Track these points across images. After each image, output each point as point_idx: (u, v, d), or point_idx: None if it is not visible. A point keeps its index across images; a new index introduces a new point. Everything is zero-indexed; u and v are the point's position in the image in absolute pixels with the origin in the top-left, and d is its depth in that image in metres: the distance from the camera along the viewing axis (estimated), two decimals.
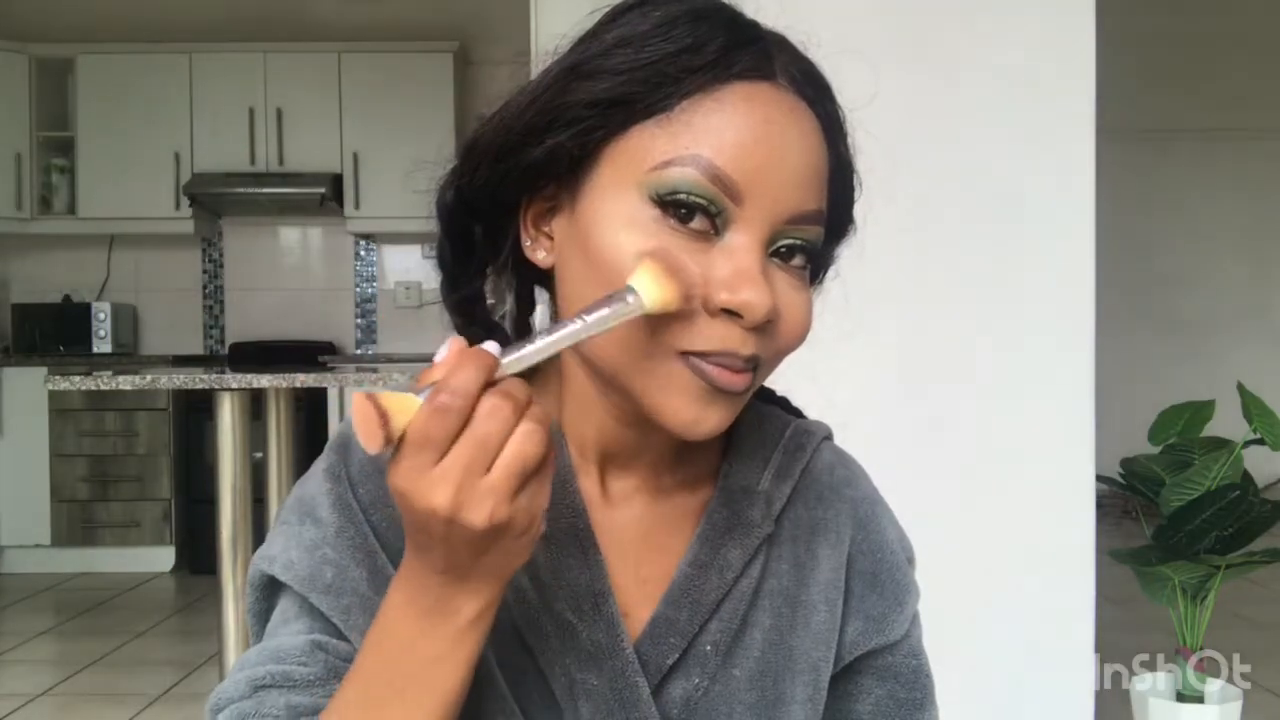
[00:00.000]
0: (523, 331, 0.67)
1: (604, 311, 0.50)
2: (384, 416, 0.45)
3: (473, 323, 0.63)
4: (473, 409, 0.45)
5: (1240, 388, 2.15)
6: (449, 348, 0.46)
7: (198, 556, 4.24)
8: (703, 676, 0.60)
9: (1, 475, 4.22)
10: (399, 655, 0.49)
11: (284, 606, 0.59)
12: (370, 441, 0.45)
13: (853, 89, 0.61)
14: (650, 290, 0.51)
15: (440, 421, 0.44)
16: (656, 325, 0.52)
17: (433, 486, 0.45)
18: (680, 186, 0.52)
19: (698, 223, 0.52)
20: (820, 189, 0.55)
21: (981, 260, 1.87)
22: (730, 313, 0.52)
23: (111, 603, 3.84)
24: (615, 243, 0.53)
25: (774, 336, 0.55)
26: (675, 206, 0.52)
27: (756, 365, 0.54)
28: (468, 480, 0.45)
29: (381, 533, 0.59)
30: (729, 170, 0.52)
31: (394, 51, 4.56)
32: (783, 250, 0.55)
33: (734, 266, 0.52)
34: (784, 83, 0.55)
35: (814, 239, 0.56)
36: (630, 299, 0.50)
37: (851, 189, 0.60)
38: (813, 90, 0.56)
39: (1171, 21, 4.94)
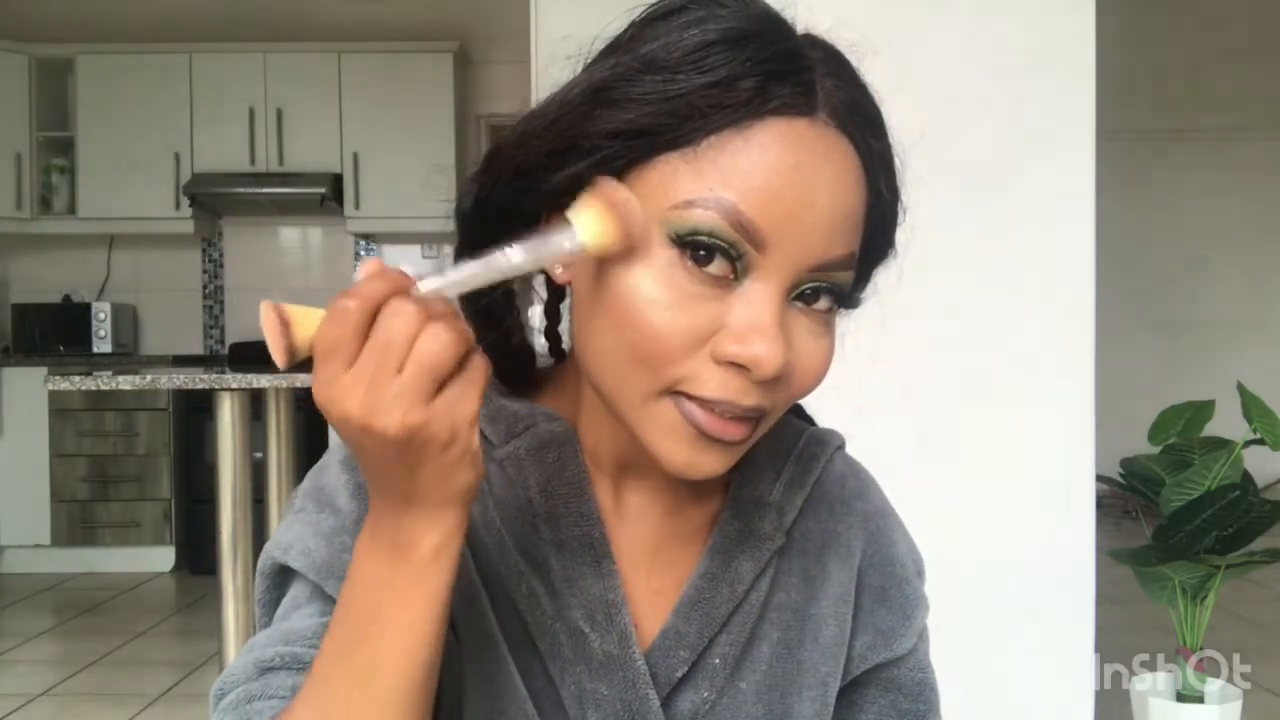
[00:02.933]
0: (554, 344, 0.65)
1: (541, 247, 0.48)
2: (285, 324, 0.44)
3: (495, 332, 0.62)
4: (376, 315, 0.43)
5: (1240, 388, 2.15)
6: (363, 268, 0.45)
7: (198, 556, 4.24)
8: (711, 690, 0.60)
9: (1, 475, 4.22)
10: (364, 596, 0.49)
11: (295, 593, 0.58)
12: (275, 350, 0.44)
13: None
14: (592, 228, 0.49)
15: (340, 325, 0.43)
16: (659, 364, 0.50)
17: (344, 393, 0.43)
18: (700, 229, 0.49)
19: (716, 266, 0.50)
20: (852, 233, 0.52)
21: (981, 261, 1.87)
22: (738, 363, 0.50)
23: (111, 603, 3.84)
24: (627, 283, 0.50)
25: (784, 387, 0.52)
26: (694, 248, 0.49)
27: (761, 415, 0.52)
28: (376, 384, 0.43)
29: None
30: (753, 216, 0.49)
31: (394, 51, 4.56)
32: (807, 293, 0.52)
33: (749, 317, 0.50)
34: (824, 117, 0.51)
35: (844, 284, 0.53)
36: (570, 238, 0.48)
37: (893, 218, 0.57)
38: (856, 125, 0.52)
39: (1172, 21, 4.94)
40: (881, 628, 0.65)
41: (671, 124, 0.50)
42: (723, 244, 0.49)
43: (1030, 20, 1.87)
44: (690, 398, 0.51)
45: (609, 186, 0.50)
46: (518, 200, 0.55)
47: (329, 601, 0.56)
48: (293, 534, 0.58)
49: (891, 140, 0.55)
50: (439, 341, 0.43)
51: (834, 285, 0.52)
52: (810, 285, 0.52)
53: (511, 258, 0.47)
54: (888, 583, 0.66)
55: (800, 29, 0.55)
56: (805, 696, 0.62)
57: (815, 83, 0.52)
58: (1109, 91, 1.96)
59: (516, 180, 0.55)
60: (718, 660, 0.60)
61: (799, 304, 0.52)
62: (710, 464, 0.52)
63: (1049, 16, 1.87)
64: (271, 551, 0.59)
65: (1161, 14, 4.79)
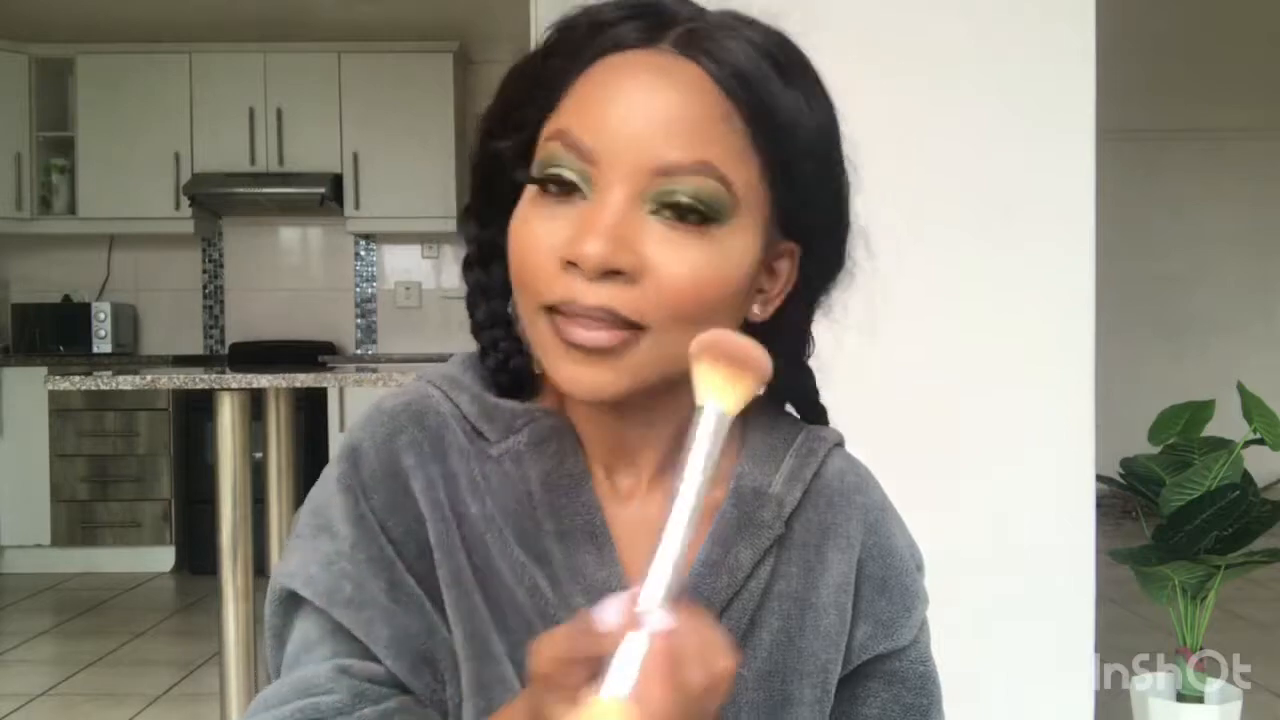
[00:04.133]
0: None
1: (707, 448, 0.45)
2: None
3: (491, 322, 0.64)
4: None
5: (1240, 388, 2.15)
6: (614, 610, 0.43)
7: (198, 556, 4.24)
8: None
9: (1, 475, 4.22)
10: None
11: (304, 630, 0.58)
12: None
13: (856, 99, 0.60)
14: (726, 398, 0.46)
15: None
16: (529, 282, 0.55)
17: None
18: (543, 162, 0.55)
19: (569, 192, 0.55)
20: (699, 143, 0.54)
21: (981, 260, 1.87)
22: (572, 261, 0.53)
23: (111, 603, 3.84)
24: (513, 226, 0.57)
25: (647, 292, 0.53)
26: (551, 181, 0.55)
27: (631, 325, 0.53)
28: None
29: (398, 541, 0.58)
30: (581, 133, 0.54)
31: (394, 51, 4.56)
32: (671, 205, 0.54)
33: (584, 220, 0.54)
34: (667, 47, 0.56)
35: (700, 191, 0.54)
36: (714, 417, 0.45)
37: (817, 177, 0.58)
38: (708, 54, 0.55)
39: (1172, 21, 4.94)
40: (881, 618, 0.66)
41: (541, 95, 0.57)
42: (561, 170, 0.54)
43: (1030, 20, 1.87)
44: (555, 311, 0.55)
45: (717, 342, 0.47)
46: (499, 142, 0.61)
47: (339, 638, 0.57)
48: (294, 561, 0.59)
49: (765, 76, 0.56)
50: (726, 661, 0.45)
51: (691, 194, 0.54)
52: (667, 196, 0.54)
53: (697, 488, 0.45)
54: (887, 574, 0.66)
55: (787, 23, 0.58)
56: (805, 683, 0.63)
57: (669, 26, 0.57)
58: (1109, 91, 1.96)
59: (481, 147, 0.62)
60: None
61: (665, 217, 0.54)
62: (590, 378, 0.55)
63: (1049, 16, 1.87)
64: (279, 578, 0.59)
65: (1162, 14, 4.79)
